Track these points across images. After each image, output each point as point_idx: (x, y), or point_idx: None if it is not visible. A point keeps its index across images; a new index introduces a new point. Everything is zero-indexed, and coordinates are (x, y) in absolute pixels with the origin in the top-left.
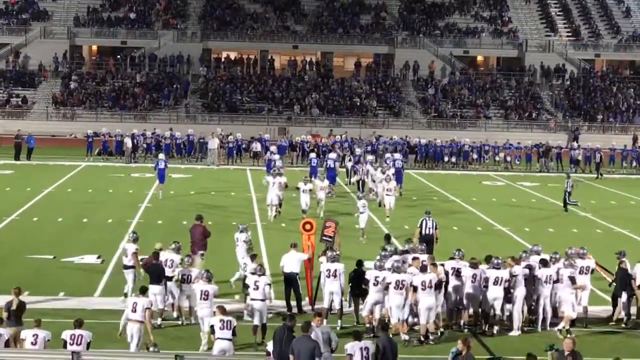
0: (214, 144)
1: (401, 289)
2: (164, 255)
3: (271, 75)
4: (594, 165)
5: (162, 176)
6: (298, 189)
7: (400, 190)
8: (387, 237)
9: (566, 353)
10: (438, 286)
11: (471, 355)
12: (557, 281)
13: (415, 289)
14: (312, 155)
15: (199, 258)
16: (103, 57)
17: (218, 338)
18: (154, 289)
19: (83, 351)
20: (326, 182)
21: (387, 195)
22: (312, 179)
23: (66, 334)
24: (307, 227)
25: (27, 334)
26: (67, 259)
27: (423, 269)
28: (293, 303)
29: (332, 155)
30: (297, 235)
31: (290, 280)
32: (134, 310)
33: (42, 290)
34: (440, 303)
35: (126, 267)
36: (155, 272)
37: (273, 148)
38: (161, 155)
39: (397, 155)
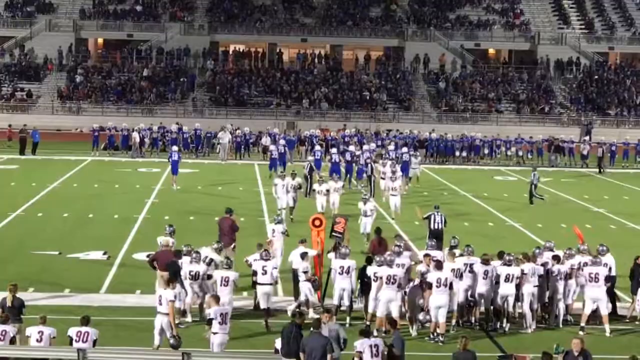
0: (225, 138)
1: (393, 283)
2: (204, 252)
3: (279, 68)
4: (608, 160)
5: (175, 168)
6: (314, 190)
7: (408, 183)
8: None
9: (576, 353)
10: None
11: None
12: (569, 277)
13: (430, 286)
14: (317, 148)
15: (230, 251)
16: (109, 50)
17: (215, 332)
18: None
19: (89, 348)
20: (340, 183)
21: (392, 195)
22: (318, 173)
23: (72, 331)
24: (317, 223)
25: (32, 331)
26: (72, 255)
27: (438, 266)
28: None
29: (334, 149)
30: (308, 231)
31: (297, 276)
32: (160, 303)
33: (47, 286)
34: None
35: None
36: (172, 270)
37: (281, 142)
38: (174, 147)
39: (405, 149)
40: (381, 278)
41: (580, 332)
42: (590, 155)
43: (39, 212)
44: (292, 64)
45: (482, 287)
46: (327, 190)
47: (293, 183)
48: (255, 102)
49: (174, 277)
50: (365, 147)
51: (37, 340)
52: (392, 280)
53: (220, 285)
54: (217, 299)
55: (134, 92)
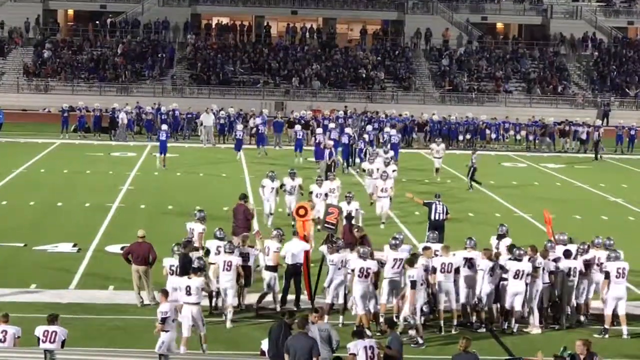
0: (209, 120)
1: (366, 277)
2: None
3: (267, 44)
4: (628, 145)
5: (164, 147)
6: (310, 193)
7: (396, 163)
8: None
9: (582, 357)
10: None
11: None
12: (582, 274)
13: (434, 270)
14: (297, 127)
15: (257, 238)
16: (80, 23)
17: (167, 330)
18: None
19: (57, 349)
20: (337, 182)
21: (380, 197)
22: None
23: (39, 330)
24: (301, 212)
25: None
26: (39, 247)
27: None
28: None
29: (319, 129)
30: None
31: (294, 272)
32: (189, 293)
33: (11, 281)
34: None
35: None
36: (183, 263)
37: (258, 120)
38: (164, 126)
39: (393, 132)
40: (353, 270)
41: (604, 336)
42: (601, 140)
43: (3, 200)
44: (281, 39)
45: (487, 284)
46: (326, 195)
47: (293, 184)
48: (241, 81)
49: (183, 272)
50: (348, 130)
51: (0, 341)
52: (365, 273)
53: (223, 270)
54: (166, 294)
55: (107, 69)
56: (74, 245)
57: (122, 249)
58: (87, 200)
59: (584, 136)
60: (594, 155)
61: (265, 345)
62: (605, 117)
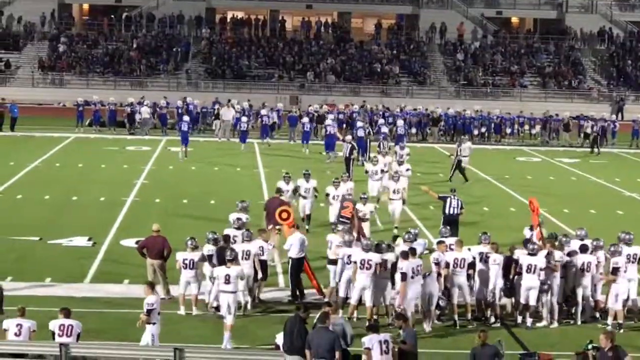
0: (228, 114)
1: (368, 269)
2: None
3: (282, 38)
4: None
5: (185, 138)
6: (327, 195)
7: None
8: (395, 238)
9: (606, 350)
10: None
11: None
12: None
13: (447, 264)
14: (305, 119)
15: (273, 233)
16: (95, 17)
17: (153, 322)
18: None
19: (72, 343)
20: (351, 184)
21: (392, 199)
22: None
23: (54, 324)
24: (284, 215)
25: (10, 324)
26: (54, 241)
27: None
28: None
29: (329, 121)
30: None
31: (299, 265)
32: (227, 282)
33: (26, 275)
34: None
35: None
36: (221, 257)
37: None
38: (185, 117)
39: (382, 121)
40: (355, 262)
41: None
42: (617, 134)
43: (18, 194)
44: (296, 33)
45: (501, 279)
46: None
47: (308, 186)
48: (256, 75)
49: (223, 261)
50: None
51: (15, 334)
52: (366, 265)
53: (242, 259)
54: (152, 286)
55: (122, 63)
56: (89, 239)
57: (136, 243)
58: (102, 194)
59: (587, 130)
60: (590, 149)
61: (280, 339)
62: (620, 111)
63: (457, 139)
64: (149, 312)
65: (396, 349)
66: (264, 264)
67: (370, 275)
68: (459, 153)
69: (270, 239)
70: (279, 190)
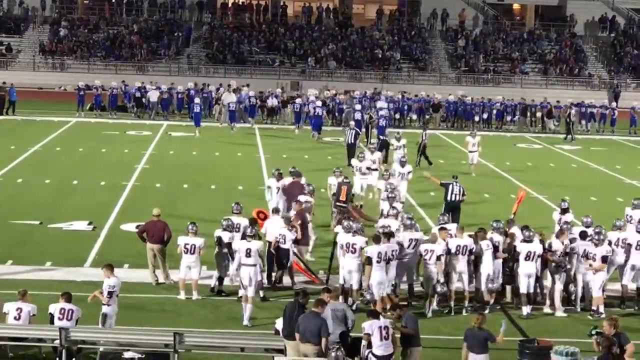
0: (231, 99)
1: (353, 252)
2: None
3: (283, 23)
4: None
5: (198, 119)
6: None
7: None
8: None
9: (610, 336)
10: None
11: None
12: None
13: (449, 251)
14: (298, 100)
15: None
16: (96, 1)
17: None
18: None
19: (72, 327)
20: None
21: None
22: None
23: (55, 308)
24: (261, 216)
25: (10, 307)
26: (54, 225)
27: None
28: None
29: (319, 102)
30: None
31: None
32: (248, 255)
33: (27, 259)
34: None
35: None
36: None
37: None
38: (197, 100)
39: (380, 104)
40: (341, 246)
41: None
42: (616, 121)
43: (19, 177)
44: (297, 19)
45: (490, 265)
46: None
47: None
48: (257, 60)
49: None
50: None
51: (15, 318)
52: (351, 249)
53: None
54: (111, 268)
55: (123, 47)
56: (89, 224)
57: (137, 227)
58: (103, 178)
59: (573, 117)
60: (565, 135)
61: (279, 324)
62: (616, 98)
63: (423, 125)
64: (110, 294)
65: (397, 335)
66: (285, 253)
67: (356, 259)
68: (423, 138)
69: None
70: (299, 174)
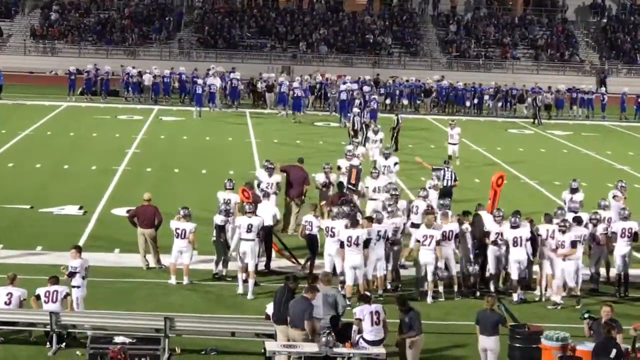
0: (216, 83)
1: (332, 236)
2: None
3: (275, 7)
4: (635, 113)
5: (199, 100)
6: (339, 168)
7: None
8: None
9: (603, 321)
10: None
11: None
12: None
13: (438, 242)
14: (282, 78)
15: (295, 205)
16: None
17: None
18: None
19: (62, 311)
20: (362, 149)
21: (373, 199)
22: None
23: (41, 291)
24: (246, 195)
25: (0, 292)
26: (45, 209)
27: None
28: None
29: (296, 84)
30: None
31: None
32: (249, 230)
33: (17, 243)
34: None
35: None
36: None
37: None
38: (200, 81)
39: (367, 88)
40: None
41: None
42: (606, 107)
43: (9, 162)
44: (289, 3)
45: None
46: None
47: (270, 181)
48: (248, 45)
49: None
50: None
51: (5, 303)
52: (330, 233)
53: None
54: (79, 249)
55: (114, 31)
56: (80, 208)
57: (128, 211)
58: (94, 163)
59: (546, 102)
60: (533, 120)
61: (270, 309)
62: (603, 84)
63: (396, 109)
64: (72, 274)
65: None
66: (313, 239)
67: (336, 243)
68: (399, 122)
69: (292, 212)
70: (302, 161)
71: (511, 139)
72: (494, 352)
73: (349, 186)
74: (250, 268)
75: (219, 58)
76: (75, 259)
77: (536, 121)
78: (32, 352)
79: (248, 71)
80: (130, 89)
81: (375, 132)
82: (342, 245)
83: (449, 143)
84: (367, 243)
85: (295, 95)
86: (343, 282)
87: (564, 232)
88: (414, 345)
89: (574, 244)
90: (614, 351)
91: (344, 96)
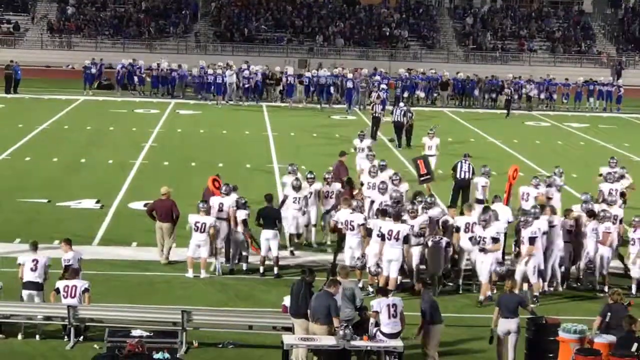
0: (232, 78)
1: (352, 230)
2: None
3: (291, 1)
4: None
5: (219, 88)
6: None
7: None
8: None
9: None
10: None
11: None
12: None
13: (457, 229)
14: (288, 68)
15: (359, 197)
16: None
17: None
18: (267, 234)
19: (80, 305)
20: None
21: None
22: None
23: (60, 284)
24: (217, 185)
25: (26, 259)
26: (62, 203)
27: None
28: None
29: (291, 70)
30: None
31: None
32: (221, 210)
33: (34, 237)
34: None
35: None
36: (269, 217)
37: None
38: (219, 71)
39: (377, 78)
40: (342, 223)
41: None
42: (622, 99)
43: (27, 156)
44: None
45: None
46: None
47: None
48: (265, 38)
49: (272, 224)
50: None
51: (31, 269)
52: (349, 226)
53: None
54: (69, 243)
55: (131, 25)
56: (97, 202)
57: (145, 205)
58: (111, 157)
59: (531, 93)
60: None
61: (287, 301)
62: (618, 75)
63: (395, 103)
64: (66, 267)
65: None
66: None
67: (356, 236)
68: (411, 117)
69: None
70: (343, 153)
71: (528, 131)
72: (516, 334)
73: (422, 178)
74: (274, 254)
75: (236, 51)
76: (67, 252)
77: (508, 114)
78: (51, 345)
79: (264, 64)
80: (157, 83)
81: (361, 139)
82: (382, 238)
83: (427, 155)
84: (407, 239)
85: (288, 82)
86: (361, 269)
87: (484, 227)
88: (429, 334)
89: (495, 240)
90: (635, 345)
91: (350, 85)
